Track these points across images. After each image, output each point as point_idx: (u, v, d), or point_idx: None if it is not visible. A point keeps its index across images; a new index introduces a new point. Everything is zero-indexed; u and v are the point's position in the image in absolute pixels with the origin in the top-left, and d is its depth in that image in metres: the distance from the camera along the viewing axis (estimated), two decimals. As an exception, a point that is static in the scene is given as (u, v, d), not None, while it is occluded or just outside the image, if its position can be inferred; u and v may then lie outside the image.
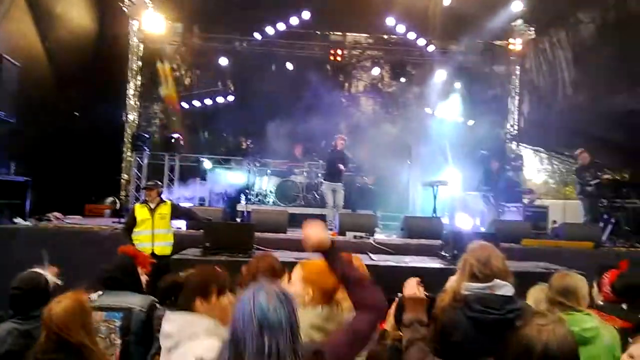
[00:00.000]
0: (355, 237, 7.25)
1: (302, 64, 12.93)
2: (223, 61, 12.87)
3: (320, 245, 1.78)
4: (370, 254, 6.36)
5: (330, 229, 8.60)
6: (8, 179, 7.06)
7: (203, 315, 1.96)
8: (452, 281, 2.40)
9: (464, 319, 2.05)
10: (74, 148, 9.69)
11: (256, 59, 13.02)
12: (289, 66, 13.03)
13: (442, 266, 5.67)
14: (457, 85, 13.28)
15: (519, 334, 1.65)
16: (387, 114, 13.30)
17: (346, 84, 14.10)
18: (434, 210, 8.53)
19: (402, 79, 13.56)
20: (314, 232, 1.79)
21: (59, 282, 2.59)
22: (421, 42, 12.81)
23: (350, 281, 1.75)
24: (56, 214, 8.44)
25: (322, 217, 9.67)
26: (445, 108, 13.28)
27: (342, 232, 7.73)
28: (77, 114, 8.68)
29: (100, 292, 2.68)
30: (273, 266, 2.49)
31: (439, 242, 6.64)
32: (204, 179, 11.27)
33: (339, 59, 13.22)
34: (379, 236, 7.73)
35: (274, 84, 12.52)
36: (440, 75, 13.06)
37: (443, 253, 6.11)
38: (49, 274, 2.54)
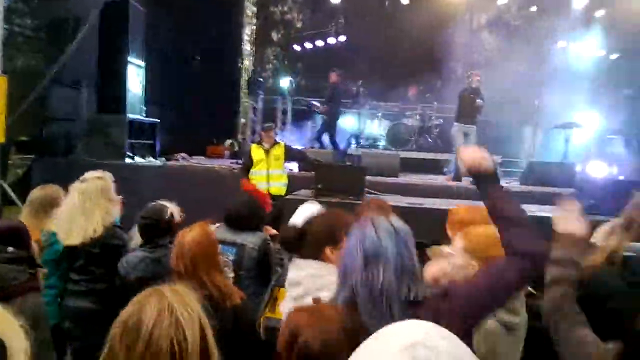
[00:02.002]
0: (472, 182, 6.78)
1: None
2: (335, -1, 12.45)
3: (478, 167, 1.49)
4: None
5: (445, 174, 8.18)
6: (142, 120, 7.65)
7: (333, 266, 1.78)
8: (607, 239, 1.98)
9: (623, 284, 1.75)
10: (194, 92, 10.22)
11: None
12: (404, 1, 12.19)
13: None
14: (600, 13, 11.45)
15: None
16: (513, 49, 11.95)
17: (467, 17, 12.88)
18: (565, 156, 7.67)
19: (533, 8, 12.01)
20: (472, 153, 1.52)
21: (180, 216, 2.69)
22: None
23: (505, 218, 1.43)
24: (182, 154, 9.11)
25: (437, 162, 9.25)
26: (584, 40, 11.58)
27: (457, 177, 7.30)
28: (197, 58, 9.03)
29: (217, 225, 2.75)
30: (382, 206, 2.50)
31: (569, 190, 5.96)
32: (315, 122, 11.34)
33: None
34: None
35: (387, 22, 11.85)
36: (579, 1, 11.33)
37: (576, 203, 5.46)
38: (174, 208, 2.65)
